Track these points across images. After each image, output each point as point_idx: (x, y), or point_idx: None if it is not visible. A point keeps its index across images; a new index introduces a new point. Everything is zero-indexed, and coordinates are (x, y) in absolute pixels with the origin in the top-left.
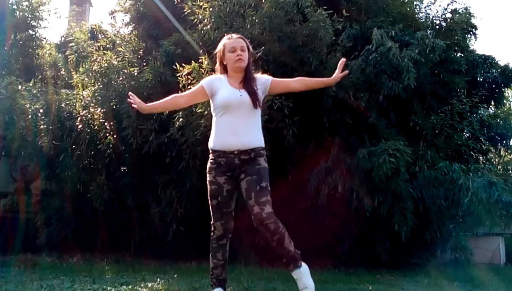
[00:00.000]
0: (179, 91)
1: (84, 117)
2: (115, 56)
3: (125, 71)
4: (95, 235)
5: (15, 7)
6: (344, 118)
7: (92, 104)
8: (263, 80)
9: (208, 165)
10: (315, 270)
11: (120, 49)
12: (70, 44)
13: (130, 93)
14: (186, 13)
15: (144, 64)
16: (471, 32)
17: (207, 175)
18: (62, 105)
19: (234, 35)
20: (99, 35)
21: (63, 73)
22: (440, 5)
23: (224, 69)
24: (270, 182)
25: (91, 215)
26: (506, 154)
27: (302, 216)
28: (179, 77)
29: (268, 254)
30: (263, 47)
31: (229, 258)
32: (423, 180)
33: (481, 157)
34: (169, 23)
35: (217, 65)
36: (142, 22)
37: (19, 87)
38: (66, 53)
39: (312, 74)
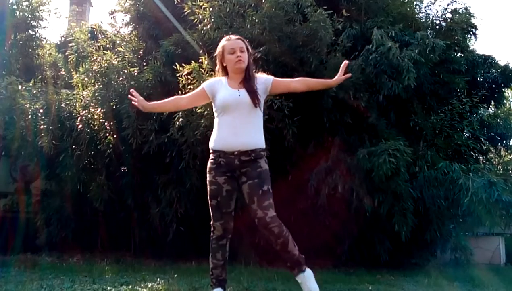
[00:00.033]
0: (179, 91)
1: (84, 117)
2: (115, 56)
3: (125, 71)
4: (95, 235)
5: (15, 7)
6: (344, 118)
7: (92, 104)
8: (264, 79)
9: (208, 164)
10: (315, 270)
11: (120, 49)
12: (70, 44)
13: (132, 90)
14: (186, 13)
15: (144, 64)
16: (471, 32)
17: (207, 175)
18: (62, 105)
19: (233, 36)
20: (99, 35)
21: (63, 73)
22: (440, 5)
23: (225, 71)
24: (270, 182)
25: (91, 215)
26: (506, 154)
27: (302, 216)
28: (179, 77)
29: (268, 254)
30: (263, 47)
31: (229, 258)
32: (423, 180)
33: (481, 157)
34: (169, 23)
35: (218, 68)
36: (142, 22)
37: (19, 87)
38: (66, 53)
39: (312, 74)
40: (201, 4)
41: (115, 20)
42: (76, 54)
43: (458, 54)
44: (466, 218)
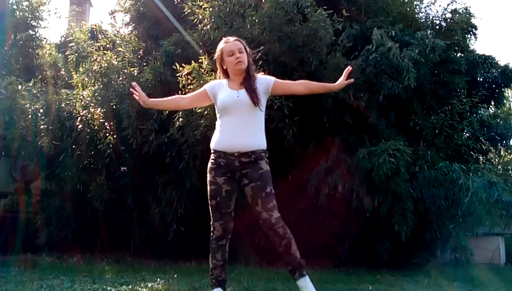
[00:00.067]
0: (179, 91)
1: (84, 117)
2: (115, 56)
3: (125, 71)
4: (95, 235)
5: (15, 7)
6: (344, 118)
7: (92, 104)
8: (265, 80)
9: (209, 165)
10: (315, 270)
11: (120, 49)
12: (70, 44)
13: (134, 84)
14: (186, 13)
15: (144, 64)
16: (471, 32)
17: (207, 175)
18: (62, 105)
19: (230, 38)
20: (99, 35)
21: (63, 73)
22: (440, 5)
23: (226, 74)
24: (272, 183)
25: (91, 215)
26: (506, 154)
27: (302, 216)
28: (179, 77)
29: (268, 254)
30: (262, 47)
31: (229, 258)
32: (423, 180)
33: (481, 157)
34: (169, 23)
35: (218, 72)
36: (142, 22)
37: (19, 87)
38: (66, 53)
39: (312, 74)
40: (201, 4)
41: (115, 20)
42: (76, 54)
43: (458, 54)
44: (466, 218)
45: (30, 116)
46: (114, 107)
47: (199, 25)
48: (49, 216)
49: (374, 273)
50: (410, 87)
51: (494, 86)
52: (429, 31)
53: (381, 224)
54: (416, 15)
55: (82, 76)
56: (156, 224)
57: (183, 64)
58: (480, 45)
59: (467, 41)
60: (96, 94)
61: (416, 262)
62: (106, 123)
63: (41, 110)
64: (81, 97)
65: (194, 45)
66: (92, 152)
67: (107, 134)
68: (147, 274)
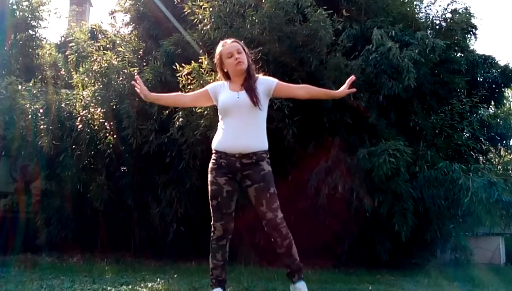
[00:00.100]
0: (179, 91)
1: (84, 117)
2: (115, 56)
3: (125, 71)
4: (95, 235)
5: (15, 7)
6: (344, 118)
7: (92, 104)
8: (267, 81)
9: (210, 165)
10: (315, 270)
11: (120, 49)
12: (70, 44)
13: (137, 76)
14: (186, 13)
15: (144, 64)
16: (471, 32)
17: (209, 175)
18: (62, 105)
19: (228, 41)
20: (99, 35)
21: (63, 73)
22: (440, 5)
23: (227, 76)
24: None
25: (91, 215)
26: (506, 154)
27: (302, 216)
28: (179, 77)
29: (268, 254)
30: (261, 47)
31: (229, 258)
32: (423, 180)
33: (481, 157)
34: (169, 23)
35: (219, 75)
36: (142, 22)
37: (19, 87)
38: (66, 53)
39: (312, 74)
40: (201, 4)
41: (115, 20)
42: (76, 54)
43: (458, 54)
44: (466, 218)
45: (30, 116)
46: (114, 107)
47: (199, 25)
48: (49, 216)
49: (374, 273)
50: (410, 87)
51: (494, 86)
52: (429, 31)
53: (381, 224)
54: (416, 15)
55: (82, 76)
56: (156, 224)
57: (183, 64)
58: (480, 45)
59: (467, 41)
60: (96, 94)
61: (416, 262)
62: (106, 123)
63: (41, 110)
64: (81, 97)
65: (194, 45)
66: (92, 152)
67: (107, 134)
68: (147, 274)
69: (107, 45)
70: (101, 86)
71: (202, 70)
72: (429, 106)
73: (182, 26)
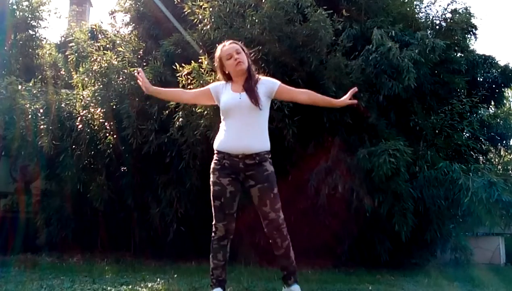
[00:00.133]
0: None
1: (84, 117)
2: (115, 56)
3: (125, 71)
4: (95, 235)
5: (15, 7)
6: (344, 118)
7: (92, 104)
8: (269, 82)
9: (212, 165)
10: (315, 270)
11: (120, 49)
12: (70, 44)
13: (139, 69)
14: (186, 13)
15: (144, 64)
16: (471, 32)
17: (211, 175)
18: (62, 105)
19: (226, 42)
20: (99, 35)
21: (63, 73)
22: (440, 5)
23: (229, 78)
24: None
25: (91, 215)
26: (506, 154)
27: (302, 216)
28: (179, 77)
29: (268, 254)
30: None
31: (229, 258)
32: (423, 180)
33: (481, 157)
34: (169, 23)
35: (219, 75)
36: (142, 22)
37: (19, 87)
38: (66, 53)
39: (312, 74)
40: (201, 4)
41: (115, 20)
42: (76, 54)
43: (458, 54)
44: (466, 218)
45: (30, 116)
46: (114, 107)
47: (199, 25)
48: (49, 216)
49: (374, 273)
50: (410, 87)
51: (494, 86)
52: (429, 31)
53: (381, 224)
54: (416, 15)
55: (82, 76)
56: (156, 224)
57: (183, 64)
58: (480, 45)
59: (467, 41)
60: (96, 94)
61: (416, 262)
62: (106, 123)
63: (41, 110)
64: (81, 97)
65: (194, 45)
66: (92, 152)
67: (107, 134)
68: (147, 274)
69: (107, 45)
70: (101, 86)
71: (202, 70)
72: (429, 106)
73: (182, 26)
